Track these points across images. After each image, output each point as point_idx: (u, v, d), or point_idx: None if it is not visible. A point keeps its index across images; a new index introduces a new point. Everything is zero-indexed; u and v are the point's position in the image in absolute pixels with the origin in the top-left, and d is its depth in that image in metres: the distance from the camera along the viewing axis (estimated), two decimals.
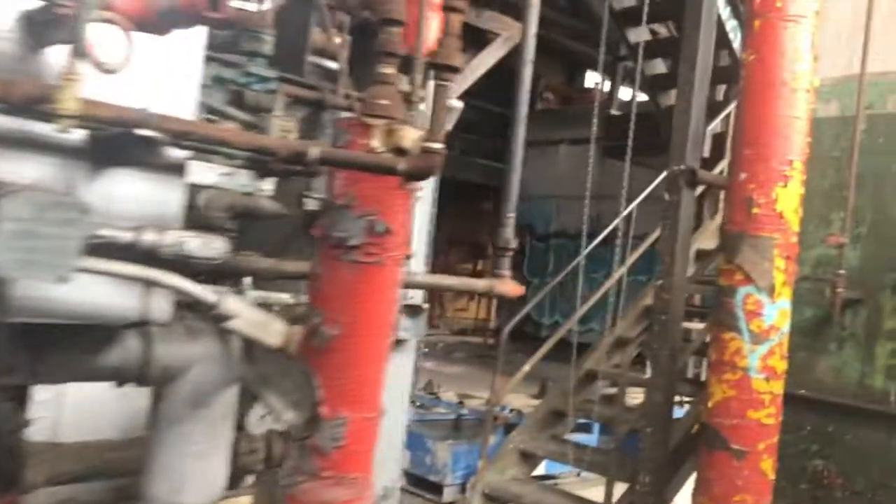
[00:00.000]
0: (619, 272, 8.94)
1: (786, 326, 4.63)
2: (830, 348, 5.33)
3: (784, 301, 4.62)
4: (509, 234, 3.05)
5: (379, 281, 2.21)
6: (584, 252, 9.52)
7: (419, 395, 8.29)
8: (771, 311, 4.59)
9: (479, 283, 3.05)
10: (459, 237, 22.38)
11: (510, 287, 2.92)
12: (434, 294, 22.80)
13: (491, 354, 12.60)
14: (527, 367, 7.08)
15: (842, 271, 4.98)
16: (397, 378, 3.38)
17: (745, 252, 4.61)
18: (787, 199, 4.60)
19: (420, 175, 1.99)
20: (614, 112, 15.34)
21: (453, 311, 23.06)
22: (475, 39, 4.58)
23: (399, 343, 3.36)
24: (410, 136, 1.95)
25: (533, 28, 4.36)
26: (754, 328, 4.59)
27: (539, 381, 10.14)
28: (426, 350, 16.94)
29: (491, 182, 19.04)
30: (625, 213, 10.05)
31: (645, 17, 7.32)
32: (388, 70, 2.03)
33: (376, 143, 2.00)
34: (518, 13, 4.52)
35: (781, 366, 4.62)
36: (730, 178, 4.83)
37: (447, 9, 1.91)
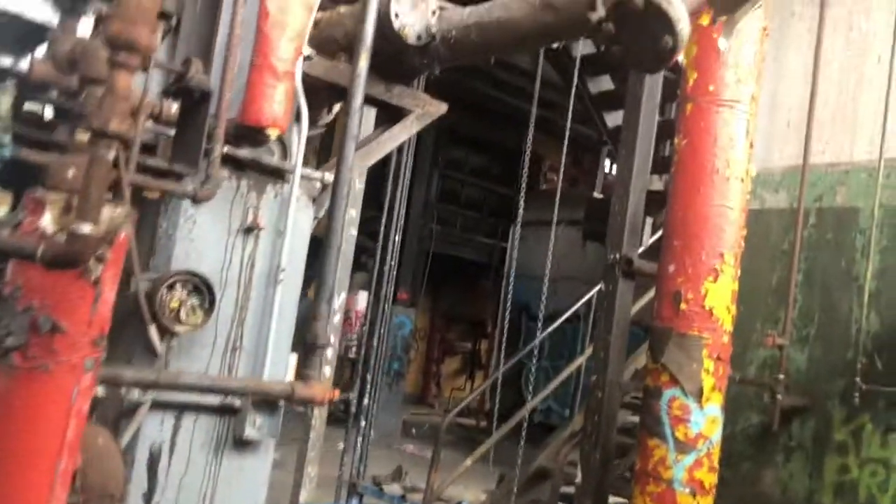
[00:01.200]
0: (580, 359, 8.55)
1: (716, 435, 4.21)
2: (776, 460, 4.87)
3: (713, 407, 4.21)
4: (321, 328, 2.71)
5: (42, 392, 1.80)
6: (541, 335, 9.15)
7: (365, 485, 7.83)
8: (698, 418, 4.18)
9: (278, 387, 2.69)
10: (459, 315, 22.00)
11: (317, 391, 2.56)
12: (430, 372, 22.34)
13: (482, 438, 12.06)
14: (468, 462, 6.63)
15: (781, 376, 4.57)
16: (244, 488, 2.99)
17: (671, 351, 4.24)
18: (718, 294, 4.25)
19: (64, 264, 1.66)
20: (596, 195, 15.16)
21: (451, 391, 22.47)
22: (389, 115, 4.33)
23: (247, 445, 2.99)
24: (103, 216, 1.63)
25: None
26: (680, 436, 4.17)
27: (499, 472, 9.59)
28: (414, 431, 16.37)
29: (492, 260, 18.81)
30: (587, 297, 9.70)
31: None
32: (82, 135, 1.75)
33: (47, 222, 1.70)
34: (433, 90, 4.28)
35: (710, 479, 4.18)
36: (658, 271, 4.49)
37: (112, 64, 1.62)
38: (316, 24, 3.96)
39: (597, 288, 7.49)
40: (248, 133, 2.80)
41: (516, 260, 15.88)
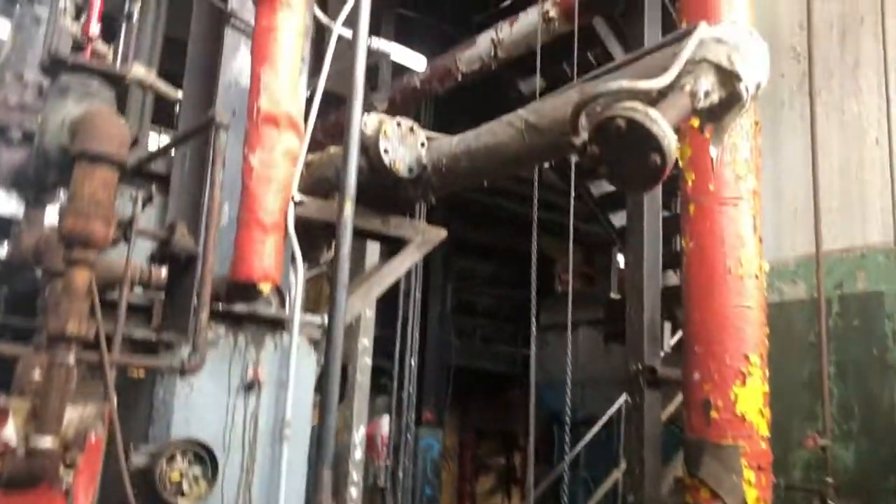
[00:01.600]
0: (616, 473, 8.19)
1: None
2: None
3: None
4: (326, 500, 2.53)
5: None
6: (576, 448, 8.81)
7: None
8: None
9: None
10: (489, 429, 21.39)
11: None
12: (465, 493, 21.51)
13: None
14: None
15: (829, 479, 4.28)
16: None
17: (707, 464, 3.99)
18: (749, 399, 4.04)
19: (25, 484, 1.54)
20: (613, 295, 14.97)
21: None
22: (390, 247, 4.29)
23: None
24: (71, 418, 1.53)
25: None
26: None
27: None
28: None
29: (516, 369, 18.42)
30: (616, 405, 9.40)
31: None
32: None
33: (10, 433, 1.58)
34: (439, 203, 4.24)
35: None
36: (683, 379, 4.30)
37: (69, 262, 1.55)
38: (308, 165, 3.97)
39: (625, 396, 7.23)
40: (241, 290, 2.73)
41: (541, 366, 15.54)
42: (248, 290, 2.71)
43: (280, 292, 3.27)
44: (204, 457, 2.76)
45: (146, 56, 4.51)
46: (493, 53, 6.31)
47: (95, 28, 1.97)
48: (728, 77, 2.50)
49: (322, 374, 2.90)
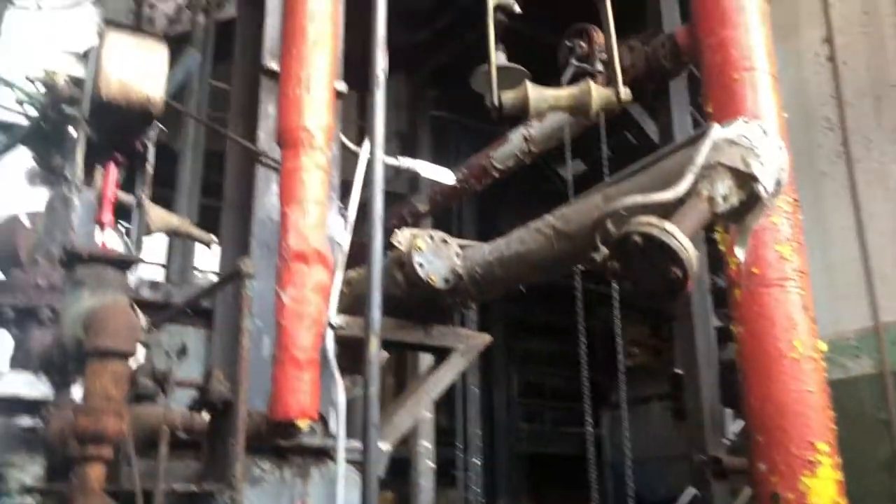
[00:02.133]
0: None
1: None
2: None
3: None
4: None
5: None
6: None
7: None
8: None
9: None
10: None
11: None
12: None
13: None
14: None
15: None
16: None
17: None
18: (821, 490, 3.84)
19: None
20: (677, 370, 14.50)
21: None
22: (434, 356, 4.30)
23: None
24: None
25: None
26: None
27: None
28: None
29: (585, 452, 17.83)
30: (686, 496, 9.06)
31: None
32: None
33: None
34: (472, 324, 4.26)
35: None
36: (749, 470, 4.12)
37: (83, 458, 1.59)
38: (349, 282, 4.05)
39: None
40: (280, 428, 2.76)
41: (616, 446, 15.08)
42: (286, 429, 2.74)
43: (324, 419, 3.28)
44: None
45: (186, 202, 4.76)
46: (526, 149, 6.41)
47: (108, 217, 2.10)
48: (745, 179, 2.49)
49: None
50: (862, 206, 4.69)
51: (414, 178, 7.74)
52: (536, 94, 2.82)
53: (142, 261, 2.12)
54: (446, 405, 10.61)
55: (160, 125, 4.44)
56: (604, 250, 2.44)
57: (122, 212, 2.60)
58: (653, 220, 2.29)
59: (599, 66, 5.36)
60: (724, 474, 4.69)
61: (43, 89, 2.53)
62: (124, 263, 2.15)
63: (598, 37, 5.39)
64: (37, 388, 2.24)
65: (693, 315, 4.96)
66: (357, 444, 3.42)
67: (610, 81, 2.92)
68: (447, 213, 9.07)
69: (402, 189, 8.71)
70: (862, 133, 4.95)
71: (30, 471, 2.08)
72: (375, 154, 2.88)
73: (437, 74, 8.56)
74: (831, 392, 4.01)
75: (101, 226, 2.12)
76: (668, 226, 2.27)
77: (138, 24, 6.36)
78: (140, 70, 1.96)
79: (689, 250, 2.25)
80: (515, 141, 6.45)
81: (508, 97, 2.82)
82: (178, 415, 2.64)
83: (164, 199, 5.26)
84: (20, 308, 2.41)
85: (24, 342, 2.46)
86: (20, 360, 2.45)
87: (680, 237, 2.25)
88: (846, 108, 4.88)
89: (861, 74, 5.09)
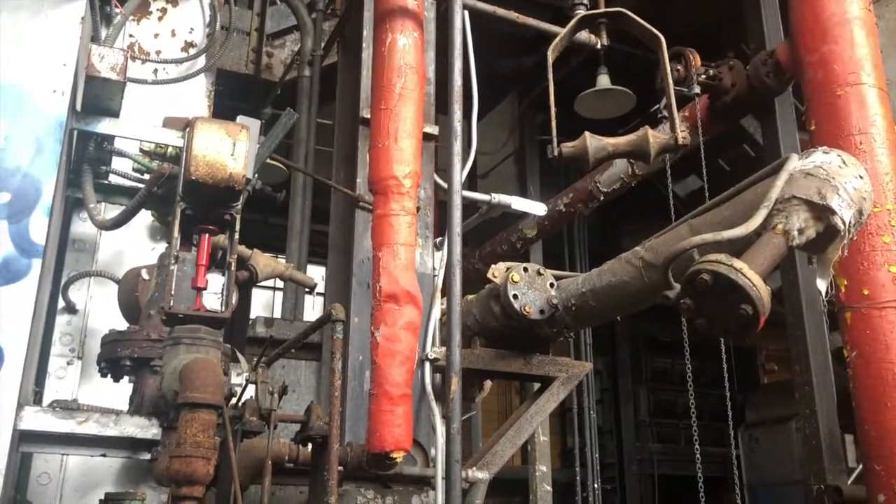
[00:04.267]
0: None
1: None
2: None
3: None
4: None
5: None
6: None
7: None
8: None
9: None
10: None
11: None
12: None
13: None
14: None
15: None
16: None
17: None
18: None
19: None
20: None
21: None
22: (529, 384, 4.39)
23: None
24: None
25: None
26: None
27: None
28: None
29: (726, 472, 17.17)
30: None
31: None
32: None
33: None
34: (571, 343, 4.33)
35: None
36: (868, 501, 3.95)
37: (175, 498, 1.79)
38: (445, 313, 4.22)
39: None
40: (377, 460, 2.94)
41: (754, 467, 14.45)
42: (382, 460, 2.91)
43: (423, 449, 3.45)
44: None
45: (296, 247, 5.10)
46: (630, 172, 6.40)
47: (202, 281, 2.36)
48: (821, 212, 2.47)
49: None
50: None
51: None
52: (595, 143, 2.89)
53: (227, 319, 2.36)
54: (572, 425, 10.54)
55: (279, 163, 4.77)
56: (677, 287, 2.48)
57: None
58: (722, 257, 2.32)
59: (697, 89, 5.35)
60: (845, 503, 4.50)
61: (155, 161, 2.87)
62: (216, 322, 2.40)
63: (695, 60, 5.38)
64: (149, 431, 2.54)
65: (807, 338, 4.80)
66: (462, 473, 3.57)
67: (671, 124, 2.95)
68: (559, 237, 9.10)
69: (512, 213, 8.82)
70: None
71: (152, 495, 2.36)
72: (453, 199, 3.04)
73: (543, 99, 8.66)
74: None
75: (198, 289, 2.39)
76: (737, 263, 2.29)
77: (257, 72, 6.85)
78: (224, 152, 2.21)
79: (759, 287, 2.26)
80: (620, 164, 6.45)
81: (568, 147, 2.91)
82: (284, 446, 2.88)
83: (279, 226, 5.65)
84: (135, 358, 2.75)
85: (139, 389, 2.78)
86: (136, 405, 2.77)
87: (749, 274, 2.26)
88: None
89: None
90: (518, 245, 7.73)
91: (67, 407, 2.71)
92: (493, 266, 4.12)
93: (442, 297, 3.83)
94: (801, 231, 2.47)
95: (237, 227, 2.40)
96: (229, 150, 2.21)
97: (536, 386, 4.50)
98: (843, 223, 2.46)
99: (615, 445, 15.01)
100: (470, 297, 4.45)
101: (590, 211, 7.20)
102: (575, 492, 10.31)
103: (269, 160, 3.10)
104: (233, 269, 2.36)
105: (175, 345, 2.38)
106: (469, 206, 5.45)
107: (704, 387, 18.77)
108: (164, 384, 2.34)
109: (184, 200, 2.33)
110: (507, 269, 4.09)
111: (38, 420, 2.61)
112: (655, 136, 2.91)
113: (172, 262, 2.29)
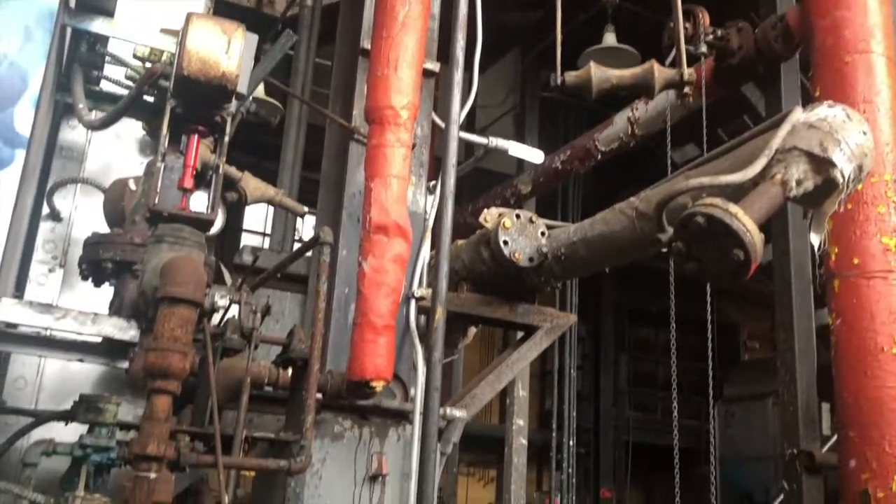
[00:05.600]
0: None
1: None
2: None
3: None
4: None
5: None
6: None
7: None
8: None
9: None
10: None
11: None
12: None
13: None
14: None
15: None
16: None
17: None
18: None
19: None
20: None
21: None
22: (514, 334, 4.40)
23: None
24: None
25: None
26: None
27: None
28: None
29: (700, 444, 17.40)
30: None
31: None
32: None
33: None
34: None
35: None
36: (839, 466, 4.00)
37: (151, 390, 1.77)
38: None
39: None
40: (356, 387, 2.93)
41: (729, 441, 14.60)
42: (362, 388, 2.91)
43: (404, 385, 3.45)
44: None
45: (288, 175, 5.03)
46: (630, 131, 6.34)
47: (189, 182, 2.31)
48: (821, 164, 2.44)
49: (419, 471, 3.01)
50: None
51: (521, 160, 7.78)
52: (600, 73, 2.84)
53: (213, 221, 2.32)
54: (551, 388, 10.63)
55: (276, 101, 4.69)
56: (669, 230, 2.46)
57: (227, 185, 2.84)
58: (717, 201, 2.29)
59: (704, 48, 5.28)
60: (816, 469, 4.55)
61: (148, 65, 2.80)
62: (201, 223, 2.37)
63: (704, 19, 5.30)
64: (127, 332, 2.52)
65: (793, 305, 4.81)
66: (441, 410, 3.57)
67: (678, 59, 2.90)
68: (553, 197, 9.07)
69: (508, 170, 8.78)
70: None
71: (127, 408, 2.34)
72: (450, 131, 2.99)
73: (547, 55, 8.58)
74: None
75: (184, 190, 2.34)
76: (733, 207, 2.27)
77: (259, 7, 6.74)
78: (218, 49, 2.15)
79: (753, 233, 2.24)
80: (620, 123, 6.39)
81: (572, 76, 2.86)
82: (264, 369, 2.87)
83: (271, 171, 5.65)
84: (117, 261, 2.71)
85: (119, 292, 2.75)
86: (116, 307, 2.75)
87: (744, 219, 2.24)
88: None
89: None
90: (512, 201, 7.69)
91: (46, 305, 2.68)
92: (485, 210, 4.09)
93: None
94: (799, 182, 2.45)
95: (227, 131, 2.34)
96: (224, 48, 2.15)
97: (520, 335, 4.51)
98: (843, 177, 2.43)
99: (592, 411, 15.17)
100: (460, 241, 4.43)
101: (586, 170, 7.16)
102: (550, 453, 10.44)
103: (266, 94, 3.03)
104: (220, 171, 2.31)
105: (158, 243, 2.35)
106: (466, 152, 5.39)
107: (685, 359, 18.91)
108: (145, 281, 2.31)
109: (174, 97, 2.27)
110: (500, 214, 4.05)
111: (14, 312, 2.54)
112: (661, 71, 2.86)
113: (160, 160, 2.24)
